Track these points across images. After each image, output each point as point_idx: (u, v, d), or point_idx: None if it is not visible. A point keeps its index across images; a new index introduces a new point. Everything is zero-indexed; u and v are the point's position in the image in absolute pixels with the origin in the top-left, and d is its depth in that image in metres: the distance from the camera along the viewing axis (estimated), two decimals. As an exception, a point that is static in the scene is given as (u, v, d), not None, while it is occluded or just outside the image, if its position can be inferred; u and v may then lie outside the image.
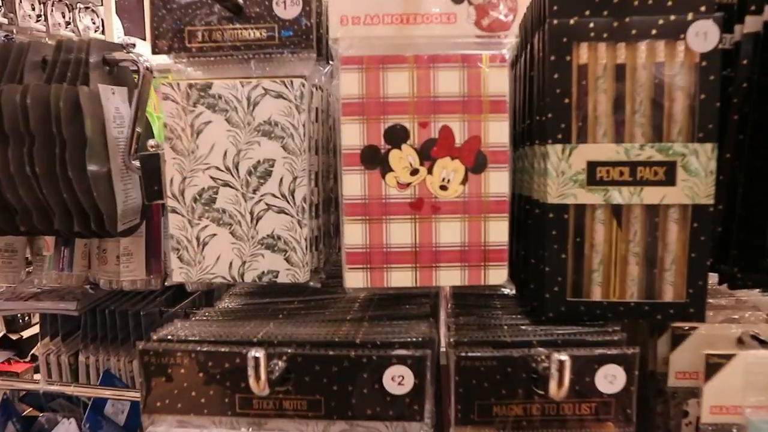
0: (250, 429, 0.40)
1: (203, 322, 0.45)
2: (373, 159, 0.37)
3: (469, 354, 0.37)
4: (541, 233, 0.40)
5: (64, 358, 0.61)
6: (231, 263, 0.42)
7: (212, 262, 0.42)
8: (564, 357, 0.34)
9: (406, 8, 0.37)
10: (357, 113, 0.37)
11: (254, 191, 0.41)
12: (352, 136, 0.37)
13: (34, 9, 1.46)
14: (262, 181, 0.41)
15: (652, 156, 0.38)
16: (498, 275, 0.38)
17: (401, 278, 0.38)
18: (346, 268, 0.38)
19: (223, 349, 0.38)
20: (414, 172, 0.37)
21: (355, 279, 0.38)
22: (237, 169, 0.41)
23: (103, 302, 0.63)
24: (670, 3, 0.38)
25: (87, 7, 1.69)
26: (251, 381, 0.36)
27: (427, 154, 0.37)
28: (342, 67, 0.37)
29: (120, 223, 0.47)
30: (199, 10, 0.41)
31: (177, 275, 0.43)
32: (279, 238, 0.42)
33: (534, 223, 0.41)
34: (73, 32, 1.60)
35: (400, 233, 0.38)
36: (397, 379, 0.39)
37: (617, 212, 0.39)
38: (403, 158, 0.37)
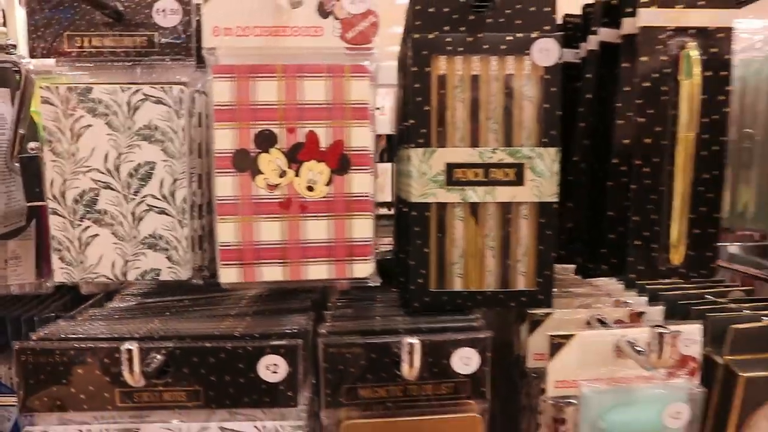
0: (132, 421, 0.43)
1: (87, 321, 0.48)
2: (244, 162, 0.42)
3: (335, 341, 0.42)
4: (406, 230, 0.46)
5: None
6: (113, 263, 0.45)
7: (95, 261, 0.45)
8: (414, 340, 0.39)
9: (276, 21, 0.42)
10: (228, 119, 0.41)
11: (135, 193, 0.45)
12: (223, 140, 0.41)
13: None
14: (142, 183, 0.45)
15: (503, 159, 0.44)
16: (363, 269, 0.43)
17: (272, 273, 0.43)
18: (221, 265, 0.42)
19: (100, 345, 0.41)
20: (282, 174, 0.42)
21: (229, 275, 0.42)
22: (118, 172, 0.44)
23: (22, 305, 0.65)
24: (518, 21, 0.45)
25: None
26: (125, 373, 0.39)
27: (294, 157, 0.42)
28: (214, 76, 0.41)
29: (1, 226, 0.49)
30: (78, 15, 0.44)
31: (59, 276, 0.45)
32: (160, 237, 0.45)
33: (402, 220, 0.47)
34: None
35: (270, 231, 0.42)
36: (272, 368, 0.43)
37: (474, 210, 0.45)
38: (271, 161, 0.41)
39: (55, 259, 0.45)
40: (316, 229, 0.42)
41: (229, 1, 0.41)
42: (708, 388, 0.48)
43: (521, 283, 0.46)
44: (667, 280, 0.62)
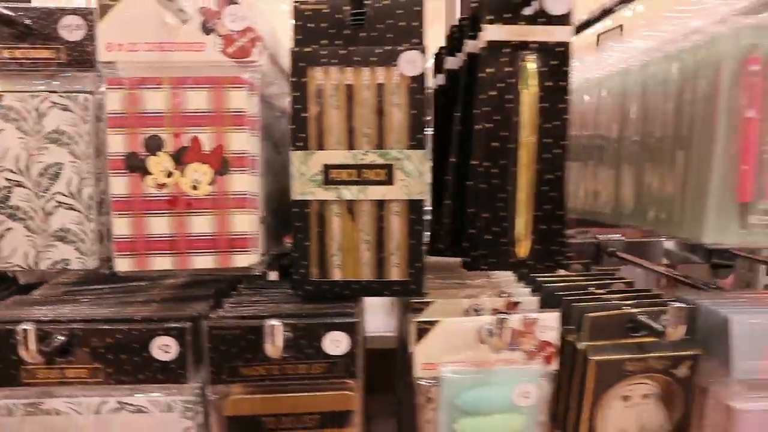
0: (39, 395, 0.49)
1: (3, 307, 0.54)
2: (135, 164, 0.47)
3: (217, 324, 0.48)
4: (292, 225, 0.51)
5: None
6: (26, 254, 0.51)
7: (9, 252, 0.51)
8: (275, 322, 0.45)
9: (164, 37, 0.47)
10: (120, 126, 0.47)
11: (45, 191, 0.50)
12: (116, 144, 0.47)
13: None
14: (51, 181, 0.50)
15: (375, 160, 0.50)
16: (244, 259, 0.49)
17: (162, 263, 0.48)
18: (115, 255, 0.48)
19: (3, 327, 0.47)
20: (169, 174, 0.47)
21: (123, 264, 0.48)
22: (29, 172, 0.50)
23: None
24: (390, 35, 0.50)
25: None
26: (22, 352, 0.45)
27: (180, 159, 0.47)
28: (107, 87, 0.47)
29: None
30: (-10, 31, 0.50)
31: (-22, 264, 0.51)
32: (69, 230, 0.51)
33: (291, 217, 0.52)
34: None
35: (160, 225, 0.48)
36: (164, 348, 0.49)
37: (350, 207, 0.51)
38: (159, 163, 0.47)
39: (-27, 249, 0.51)
40: (201, 224, 0.48)
41: (121, 20, 0.47)
42: (571, 371, 0.53)
43: (395, 274, 0.51)
44: (561, 274, 0.67)
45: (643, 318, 0.51)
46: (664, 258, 0.96)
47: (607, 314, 0.52)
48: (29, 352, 0.45)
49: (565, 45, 0.45)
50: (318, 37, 0.49)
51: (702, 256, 0.91)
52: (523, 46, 0.45)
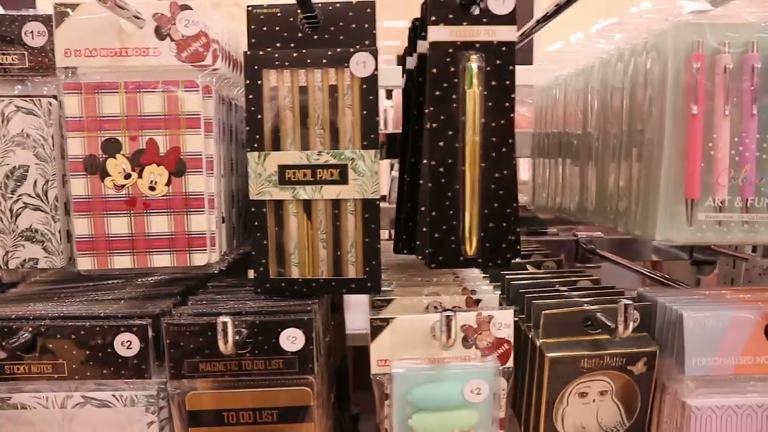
0: (5, 392, 0.51)
1: (-21, 303, 0.56)
2: (94, 166, 0.49)
3: (175, 321, 0.50)
4: (250, 224, 0.52)
5: None
6: (-4, 253, 0.53)
7: (-20, 252, 0.53)
8: (226, 319, 0.46)
9: (120, 43, 0.49)
10: (79, 129, 0.48)
11: (12, 192, 0.52)
12: (75, 147, 0.49)
13: None
14: (18, 183, 0.52)
15: (328, 160, 0.51)
16: (200, 258, 0.50)
17: (122, 261, 0.50)
18: (77, 254, 0.50)
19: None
20: (127, 176, 0.49)
21: (84, 262, 0.50)
22: (-4, 174, 0.52)
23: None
24: (342, 37, 0.51)
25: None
26: (-17, 347, 0.47)
27: (137, 161, 0.49)
28: (64, 92, 0.48)
29: None
30: (-42, 39, 0.52)
31: (-49, 264, 0.53)
32: (36, 231, 0.53)
33: (248, 216, 0.53)
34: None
35: (119, 225, 0.49)
36: (126, 344, 0.51)
37: (306, 206, 0.52)
38: (117, 165, 0.49)
39: (-54, 250, 0.53)
40: (159, 224, 0.49)
41: (78, 26, 0.48)
42: (531, 368, 0.53)
43: (352, 272, 0.52)
44: (531, 272, 0.68)
45: (598, 315, 0.51)
46: (654, 255, 0.96)
47: (564, 311, 0.52)
48: (-9, 348, 0.47)
49: (509, 44, 0.46)
50: (272, 41, 0.51)
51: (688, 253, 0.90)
52: (468, 46, 0.46)
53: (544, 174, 0.71)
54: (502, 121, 0.47)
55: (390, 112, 1.51)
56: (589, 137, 0.58)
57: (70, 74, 0.49)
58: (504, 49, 0.46)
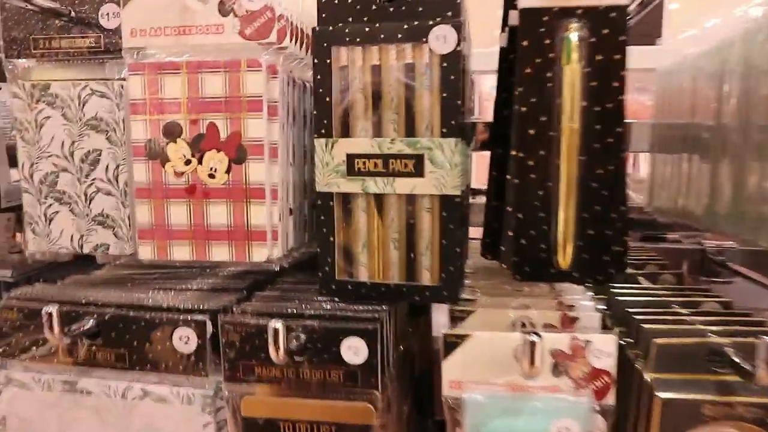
0: (75, 375, 0.50)
1: (56, 286, 0.56)
2: (155, 151, 0.46)
3: (232, 320, 0.46)
4: (316, 218, 0.47)
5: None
6: (72, 236, 0.52)
7: (58, 235, 0.53)
8: (278, 325, 0.41)
9: (183, 21, 0.45)
10: (141, 112, 0.46)
11: (86, 176, 0.51)
12: (138, 131, 0.46)
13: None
14: (92, 167, 0.51)
15: (402, 149, 0.44)
16: (260, 253, 0.46)
17: (181, 252, 0.47)
18: (138, 242, 0.47)
19: (35, 307, 0.48)
20: (187, 162, 0.45)
21: (144, 251, 0.47)
22: (72, 157, 0.51)
23: (41, 271, 0.77)
24: (420, 9, 0.44)
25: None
26: (47, 333, 0.46)
27: (197, 147, 0.45)
28: (128, 73, 0.46)
29: (4, 201, 0.59)
30: (40, 21, 0.51)
31: (31, 246, 0.53)
32: (108, 216, 0.51)
33: (315, 209, 0.48)
34: None
35: (178, 214, 0.46)
36: (184, 339, 0.48)
37: (377, 201, 0.45)
38: (178, 150, 0.45)
39: (27, 231, 0.53)
40: (218, 214, 0.46)
41: (142, 6, 0.46)
42: (637, 407, 0.44)
43: (426, 278, 0.45)
44: (644, 286, 0.57)
45: (729, 351, 0.40)
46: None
47: (684, 341, 0.42)
48: (54, 335, 0.46)
49: (619, 9, 0.36)
50: (344, 15, 0.45)
51: None
52: (567, 12, 0.37)
53: (664, 171, 0.60)
54: (609, 105, 0.37)
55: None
56: (724, 129, 0.47)
57: (136, 55, 0.47)
58: (613, 15, 0.37)
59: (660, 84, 0.65)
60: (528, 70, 0.38)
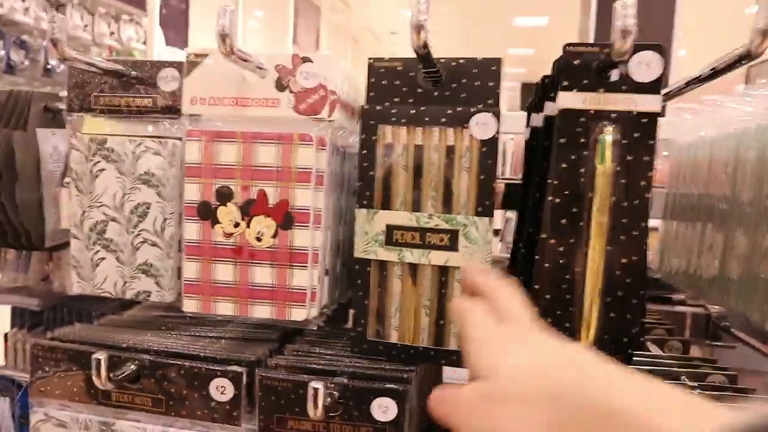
0: (113, 416, 0.53)
1: (95, 328, 0.59)
2: (206, 212, 0.50)
3: (269, 374, 0.49)
4: (353, 282, 0.51)
5: (28, 347, 0.77)
6: (115, 282, 0.56)
7: (101, 280, 0.56)
8: (318, 385, 0.45)
9: (240, 93, 0.49)
10: (196, 175, 0.50)
11: (134, 227, 0.55)
12: (192, 193, 0.50)
13: (82, 19, 1.71)
14: (140, 219, 0.55)
15: (438, 224, 0.48)
16: (299, 313, 0.49)
17: (225, 308, 0.50)
18: (184, 296, 0.51)
19: (80, 349, 0.52)
20: (236, 225, 0.49)
21: (190, 305, 0.51)
22: (122, 209, 0.55)
23: (66, 302, 0.80)
24: (464, 95, 0.48)
25: (131, 19, 1.93)
26: (94, 377, 0.49)
27: (247, 211, 0.49)
28: (187, 138, 0.50)
29: (49, 241, 0.62)
30: (103, 81, 0.55)
31: (75, 288, 0.57)
32: (152, 265, 0.55)
33: (352, 273, 0.52)
34: (117, 41, 1.84)
35: (225, 272, 0.50)
36: (220, 389, 0.51)
37: (412, 269, 0.49)
38: (228, 213, 0.49)
39: (72, 274, 0.56)
40: (262, 275, 0.49)
41: (204, 76, 0.50)
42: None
43: (453, 344, 0.49)
44: (653, 354, 0.61)
45: (735, 429, 0.44)
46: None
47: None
48: (101, 379, 0.49)
49: (651, 115, 0.41)
50: (391, 95, 0.49)
51: None
52: (603, 115, 0.42)
53: (676, 237, 0.64)
54: (636, 202, 0.42)
55: (510, 145, 1.46)
56: (737, 201, 0.51)
57: (194, 121, 0.51)
58: (645, 120, 0.41)
59: (676, 155, 0.69)
60: (564, 165, 0.42)
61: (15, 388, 0.70)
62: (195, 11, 2.76)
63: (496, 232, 1.32)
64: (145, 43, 1.95)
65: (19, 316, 0.79)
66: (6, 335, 0.83)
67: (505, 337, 0.32)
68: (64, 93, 0.60)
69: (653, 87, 0.41)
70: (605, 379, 0.27)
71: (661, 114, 0.41)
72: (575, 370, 0.28)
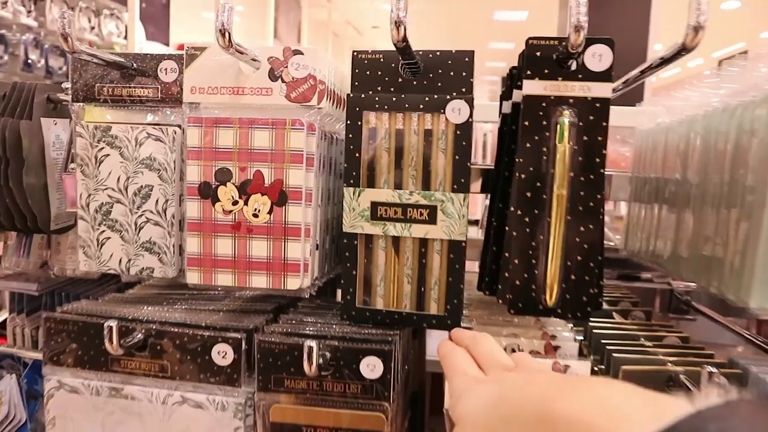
0: (121, 382, 0.59)
1: (101, 302, 0.64)
2: (207, 191, 0.55)
3: (266, 339, 0.55)
4: (342, 255, 0.57)
5: (27, 331, 0.82)
6: (120, 260, 0.61)
7: (107, 258, 0.61)
8: (312, 344, 0.51)
9: (237, 83, 0.55)
10: (197, 158, 0.55)
11: (138, 208, 0.60)
12: (193, 174, 0.55)
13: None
14: (143, 200, 0.60)
15: (418, 201, 0.54)
16: (293, 282, 0.55)
17: (224, 279, 0.56)
18: (186, 268, 0.56)
19: (95, 320, 0.57)
20: (235, 203, 0.55)
21: (192, 277, 0.56)
22: (126, 191, 0.60)
23: (63, 286, 0.84)
24: (440, 84, 0.54)
25: (112, 14, 1.96)
26: (106, 343, 0.55)
27: (244, 190, 0.55)
28: (188, 125, 0.55)
29: (53, 224, 0.66)
30: (105, 72, 0.60)
31: (83, 266, 0.62)
32: (155, 243, 0.60)
33: (340, 247, 0.58)
34: (97, 36, 1.86)
35: (224, 246, 0.55)
36: (222, 354, 0.56)
37: (395, 242, 0.55)
38: (227, 192, 0.55)
39: (80, 254, 0.61)
40: (259, 248, 0.55)
41: (202, 68, 0.55)
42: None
43: (433, 309, 0.55)
44: (617, 321, 0.67)
45: (681, 377, 0.50)
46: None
47: (645, 369, 0.52)
48: (113, 345, 0.54)
49: (603, 101, 0.47)
50: (374, 84, 0.55)
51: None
52: (561, 100, 0.48)
53: (639, 218, 0.70)
54: (592, 176, 0.48)
55: (489, 137, 1.52)
56: (687, 184, 0.57)
57: (193, 108, 0.56)
58: (598, 105, 0.47)
59: (637, 142, 0.76)
60: (528, 145, 0.48)
61: (21, 366, 0.75)
62: (175, 6, 2.81)
63: (476, 222, 1.39)
64: (126, 37, 1.98)
65: (17, 302, 0.83)
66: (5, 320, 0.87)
67: (474, 382, 0.35)
68: (67, 84, 0.65)
69: (605, 76, 0.47)
70: (549, 386, 0.29)
71: (611, 101, 0.47)
72: (522, 384, 0.30)
